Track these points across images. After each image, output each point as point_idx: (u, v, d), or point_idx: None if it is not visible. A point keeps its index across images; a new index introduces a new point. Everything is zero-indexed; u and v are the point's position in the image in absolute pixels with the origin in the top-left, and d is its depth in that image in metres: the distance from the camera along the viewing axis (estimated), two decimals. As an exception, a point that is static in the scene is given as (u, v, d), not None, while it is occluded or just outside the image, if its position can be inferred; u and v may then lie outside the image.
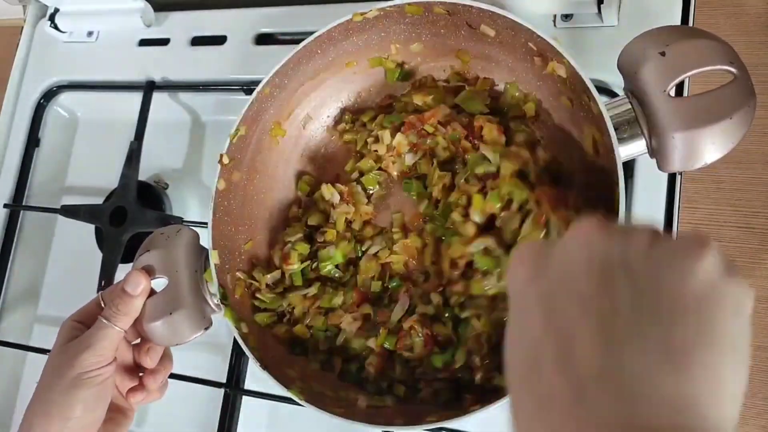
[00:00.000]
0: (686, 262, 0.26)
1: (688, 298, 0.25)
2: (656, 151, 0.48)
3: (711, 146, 0.46)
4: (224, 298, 0.56)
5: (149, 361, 0.56)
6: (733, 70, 0.47)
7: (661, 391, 0.23)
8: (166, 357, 0.57)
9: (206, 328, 0.55)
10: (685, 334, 0.24)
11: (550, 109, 0.57)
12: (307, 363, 0.58)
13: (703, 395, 0.23)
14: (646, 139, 0.48)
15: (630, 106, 0.49)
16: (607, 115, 0.48)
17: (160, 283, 0.56)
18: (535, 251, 0.31)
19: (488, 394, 0.50)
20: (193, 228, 0.60)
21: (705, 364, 0.24)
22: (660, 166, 0.49)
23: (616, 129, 0.48)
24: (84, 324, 0.54)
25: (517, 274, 0.31)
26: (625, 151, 0.48)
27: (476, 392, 0.51)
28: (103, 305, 0.55)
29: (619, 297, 0.26)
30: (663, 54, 0.47)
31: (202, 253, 0.58)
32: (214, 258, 0.56)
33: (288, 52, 0.59)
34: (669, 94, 0.47)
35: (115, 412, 0.55)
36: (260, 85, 0.60)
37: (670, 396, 0.23)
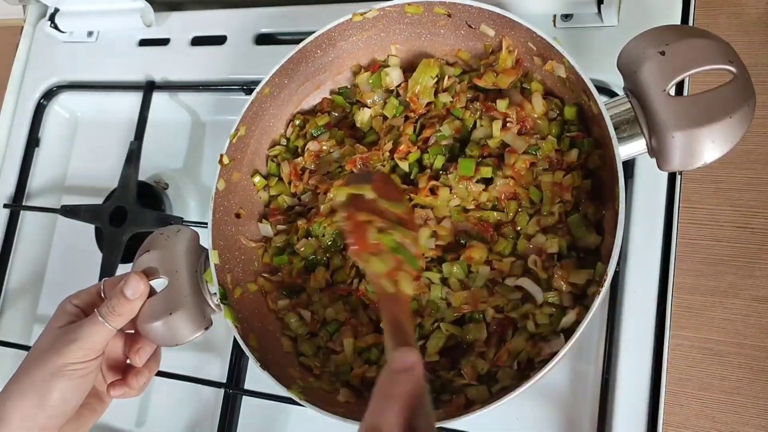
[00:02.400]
0: None
1: None
2: (656, 151, 0.48)
3: (710, 145, 0.46)
4: (224, 298, 0.56)
5: (137, 360, 0.56)
6: (732, 69, 0.47)
7: None
8: (153, 359, 0.57)
9: (206, 328, 0.55)
10: None
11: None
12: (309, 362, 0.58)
13: None
14: (645, 139, 0.48)
15: (630, 106, 0.49)
16: (606, 115, 0.48)
17: (159, 283, 0.56)
18: None
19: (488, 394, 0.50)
20: (193, 228, 0.60)
21: None
22: (660, 166, 0.49)
23: (615, 128, 0.48)
24: (82, 310, 0.54)
25: None
26: (624, 151, 0.48)
27: (476, 392, 0.51)
28: (103, 295, 0.55)
29: None
30: (663, 53, 0.47)
31: (202, 253, 0.58)
32: (214, 258, 0.56)
33: (288, 52, 0.59)
34: (669, 94, 0.47)
35: (93, 398, 0.55)
36: (260, 85, 0.60)
37: None
